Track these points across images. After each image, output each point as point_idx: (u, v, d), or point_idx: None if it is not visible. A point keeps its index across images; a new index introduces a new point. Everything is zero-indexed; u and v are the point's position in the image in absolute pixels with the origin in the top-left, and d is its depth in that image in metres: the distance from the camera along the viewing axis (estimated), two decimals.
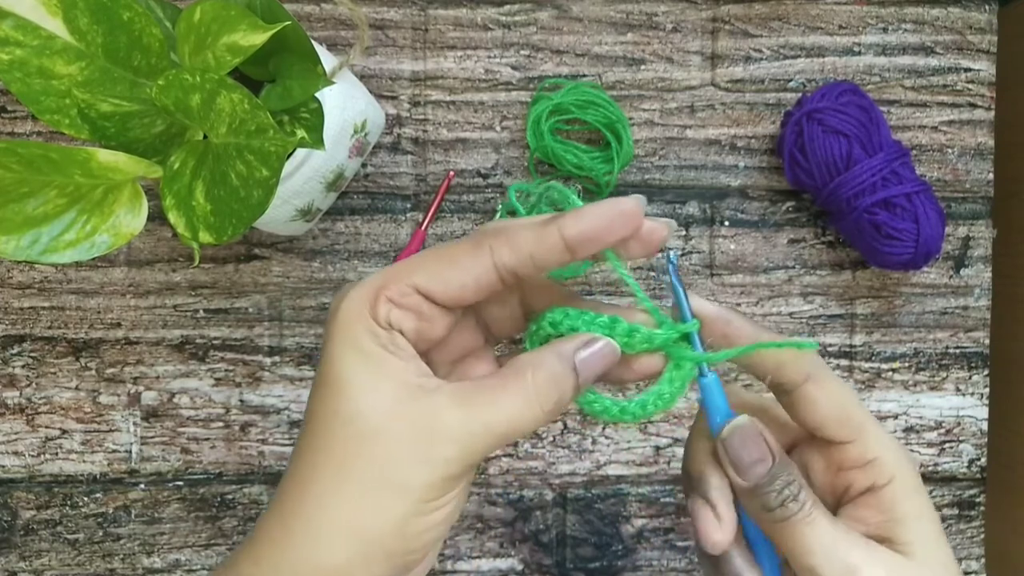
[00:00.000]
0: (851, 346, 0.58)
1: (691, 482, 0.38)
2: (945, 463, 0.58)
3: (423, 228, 0.56)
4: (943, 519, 0.58)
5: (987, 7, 0.57)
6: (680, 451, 0.57)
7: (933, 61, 0.57)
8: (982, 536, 0.59)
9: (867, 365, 0.58)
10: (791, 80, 0.57)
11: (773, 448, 0.36)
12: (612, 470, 0.57)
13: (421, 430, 0.32)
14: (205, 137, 0.38)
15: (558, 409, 0.33)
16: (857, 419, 0.36)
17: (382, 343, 0.33)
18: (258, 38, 0.37)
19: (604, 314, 0.35)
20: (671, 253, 0.36)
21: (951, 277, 0.58)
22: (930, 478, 0.58)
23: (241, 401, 0.57)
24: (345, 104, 0.47)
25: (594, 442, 0.57)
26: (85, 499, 0.57)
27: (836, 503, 0.38)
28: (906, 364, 0.58)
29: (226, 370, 0.56)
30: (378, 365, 0.32)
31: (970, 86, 0.57)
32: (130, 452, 0.56)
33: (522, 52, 0.56)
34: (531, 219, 0.33)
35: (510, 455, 0.57)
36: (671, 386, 0.35)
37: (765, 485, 0.35)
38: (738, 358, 0.35)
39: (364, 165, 0.56)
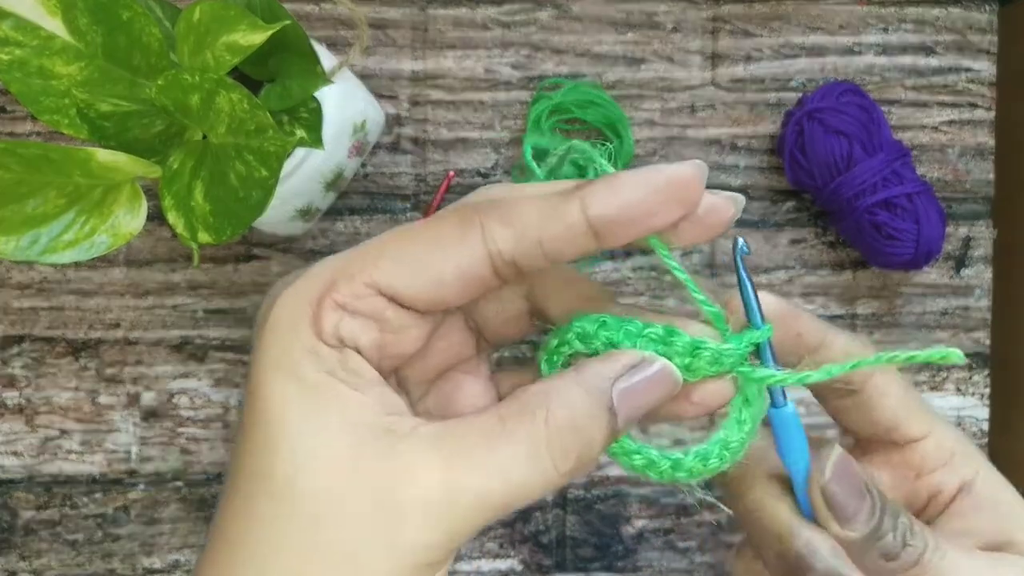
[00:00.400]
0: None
1: (785, 563, 0.27)
2: None
3: None
4: None
5: (987, 7, 0.57)
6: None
7: (934, 61, 0.57)
8: None
9: None
10: (792, 80, 0.57)
11: (867, 480, 0.27)
12: (612, 471, 0.57)
13: (386, 502, 0.22)
14: (205, 137, 0.38)
15: (583, 468, 0.24)
16: (926, 407, 0.29)
17: (329, 368, 0.23)
18: (257, 38, 0.37)
19: (656, 323, 0.25)
20: (740, 240, 0.27)
21: (952, 277, 0.58)
22: None
23: (240, 402, 0.56)
24: (344, 104, 0.47)
25: None
26: (84, 499, 0.57)
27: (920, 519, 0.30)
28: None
29: (225, 370, 0.56)
30: (325, 402, 0.23)
31: (971, 86, 0.57)
32: (129, 452, 0.56)
33: (522, 52, 0.56)
34: (542, 187, 0.24)
35: None
36: (740, 430, 0.26)
37: (877, 528, 0.26)
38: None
39: (363, 165, 0.56)
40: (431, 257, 0.23)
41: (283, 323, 0.24)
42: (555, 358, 0.26)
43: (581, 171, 0.27)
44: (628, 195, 0.23)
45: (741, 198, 0.25)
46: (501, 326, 0.28)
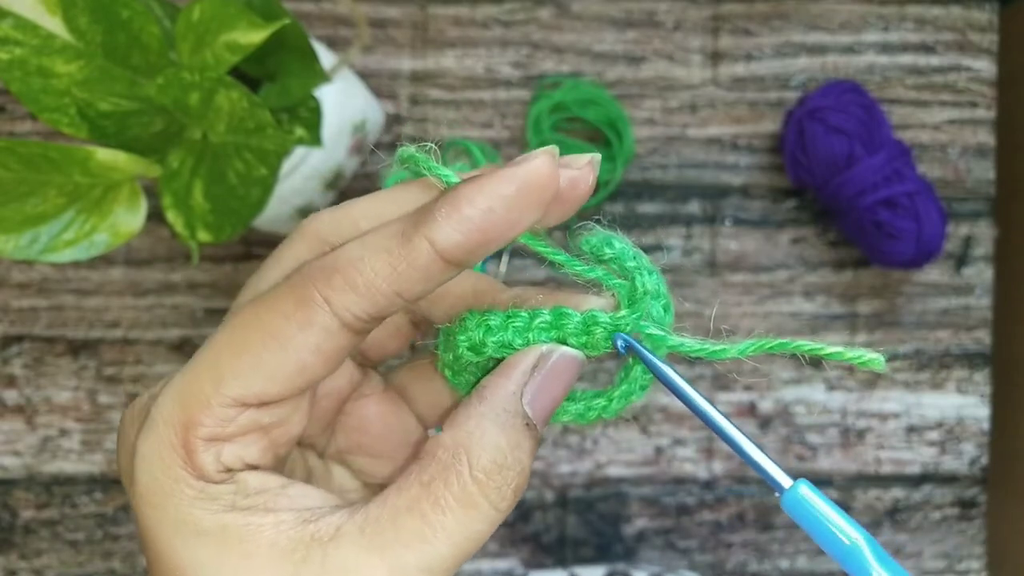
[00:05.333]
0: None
1: None
2: (946, 462, 0.58)
3: None
4: (944, 518, 0.58)
5: (988, 6, 0.57)
6: (681, 451, 0.57)
7: (934, 60, 0.57)
8: (983, 536, 0.59)
9: None
10: (792, 78, 0.57)
11: None
12: (613, 470, 0.57)
13: None
14: (204, 136, 0.38)
15: (520, 494, 0.22)
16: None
17: (228, 504, 0.21)
18: (257, 36, 0.36)
19: (543, 308, 0.23)
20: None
21: (953, 276, 0.58)
22: (931, 477, 0.58)
23: None
24: (344, 102, 0.47)
25: (595, 442, 0.57)
26: (84, 499, 0.57)
27: None
28: (908, 363, 0.58)
29: None
30: (236, 544, 0.21)
31: (971, 85, 0.57)
32: None
33: (522, 50, 0.56)
34: (380, 233, 0.21)
35: None
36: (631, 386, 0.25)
37: None
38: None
39: (363, 164, 0.56)
40: (279, 352, 0.21)
41: (157, 482, 0.21)
42: (459, 376, 0.25)
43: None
44: (478, 219, 0.20)
45: (597, 157, 0.22)
46: (384, 344, 0.27)
